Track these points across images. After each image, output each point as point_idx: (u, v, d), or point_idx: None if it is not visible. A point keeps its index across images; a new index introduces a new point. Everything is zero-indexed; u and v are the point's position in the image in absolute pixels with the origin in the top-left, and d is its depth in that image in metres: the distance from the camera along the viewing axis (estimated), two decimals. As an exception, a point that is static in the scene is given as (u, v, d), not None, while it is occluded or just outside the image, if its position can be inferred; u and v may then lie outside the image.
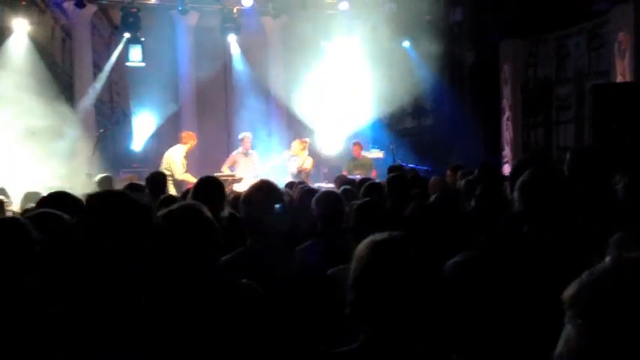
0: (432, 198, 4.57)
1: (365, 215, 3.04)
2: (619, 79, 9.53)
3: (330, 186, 8.77)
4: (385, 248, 1.59)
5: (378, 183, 4.74)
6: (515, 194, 2.15)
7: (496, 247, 2.54)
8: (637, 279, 0.78)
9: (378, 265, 1.56)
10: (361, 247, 1.63)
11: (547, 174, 2.14)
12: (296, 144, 10.51)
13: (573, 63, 11.20)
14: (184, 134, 10.06)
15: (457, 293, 2.02)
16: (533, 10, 10.79)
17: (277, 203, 2.92)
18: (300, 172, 10.40)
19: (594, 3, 10.08)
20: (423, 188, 5.22)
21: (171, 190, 8.83)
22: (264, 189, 2.94)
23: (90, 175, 8.57)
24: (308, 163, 10.47)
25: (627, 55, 9.46)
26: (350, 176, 8.62)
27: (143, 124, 12.37)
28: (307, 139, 10.79)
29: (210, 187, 3.73)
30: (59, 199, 2.94)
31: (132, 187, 4.65)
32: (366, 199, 3.49)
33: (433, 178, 6.55)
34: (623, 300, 0.77)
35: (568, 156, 2.99)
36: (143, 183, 5.48)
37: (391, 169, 6.39)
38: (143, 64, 11.53)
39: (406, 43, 12.51)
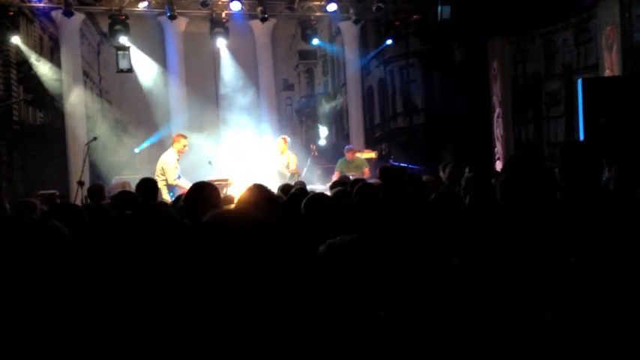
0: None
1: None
2: (607, 73, 9.60)
3: (323, 188, 8.79)
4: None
5: (369, 184, 4.74)
6: (497, 192, 2.18)
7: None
8: None
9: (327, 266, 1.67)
10: None
11: (525, 172, 2.17)
12: (281, 142, 10.43)
13: (562, 58, 11.28)
14: (174, 136, 9.99)
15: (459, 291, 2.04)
16: (519, 6, 10.85)
17: (272, 206, 2.92)
18: (293, 174, 10.39)
19: (580, -2, 10.15)
20: (418, 188, 5.22)
21: (165, 195, 8.79)
22: (257, 193, 2.94)
23: (81, 183, 8.52)
24: (294, 164, 10.46)
25: (614, 49, 9.53)
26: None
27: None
28: (287, 137, 10.68)
29: (205, 192, 3.72)
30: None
31: (123, 194, 4.61)
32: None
33: (426, 177, 6.53)
34: None
35: (558, 152, 3.01)
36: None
37: (382, 171, 6.39)
38: (132, 71, 11.53)
39: (389, 41, 12.45)
